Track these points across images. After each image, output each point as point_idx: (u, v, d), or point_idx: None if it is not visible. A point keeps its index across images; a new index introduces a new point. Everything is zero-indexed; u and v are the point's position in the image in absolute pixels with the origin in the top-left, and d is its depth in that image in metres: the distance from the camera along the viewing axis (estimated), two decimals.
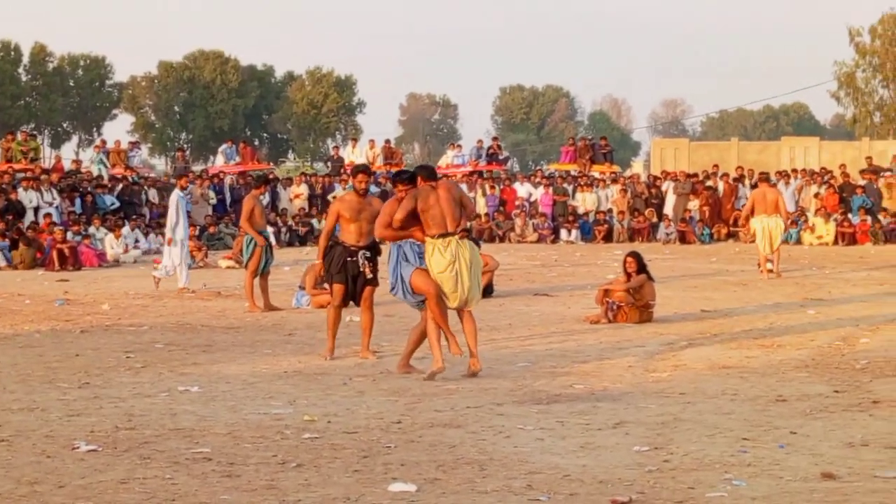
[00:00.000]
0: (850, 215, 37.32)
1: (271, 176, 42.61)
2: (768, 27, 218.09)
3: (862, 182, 39.91)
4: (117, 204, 36.22)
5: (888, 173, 40.38)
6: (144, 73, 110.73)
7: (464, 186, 40.62)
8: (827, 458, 8.39)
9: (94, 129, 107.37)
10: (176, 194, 22.18)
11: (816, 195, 39.12)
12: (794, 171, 42.33)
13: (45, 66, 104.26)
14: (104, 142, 44.73)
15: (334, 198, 40.03)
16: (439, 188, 12.15)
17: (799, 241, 36.41)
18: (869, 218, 37.25)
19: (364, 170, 14.04)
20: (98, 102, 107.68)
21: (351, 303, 13.87)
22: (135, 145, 46.59)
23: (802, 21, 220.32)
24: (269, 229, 31.47)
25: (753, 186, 39.63)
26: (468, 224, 12.46)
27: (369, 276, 13.55)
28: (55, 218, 32.21)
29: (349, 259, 13.50)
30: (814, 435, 9.19)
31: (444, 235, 11.93)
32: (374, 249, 13.63)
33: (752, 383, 11.70)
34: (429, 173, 12.47)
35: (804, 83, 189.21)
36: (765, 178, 26.78)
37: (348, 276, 13.54)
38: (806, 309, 18.47)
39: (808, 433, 9.25)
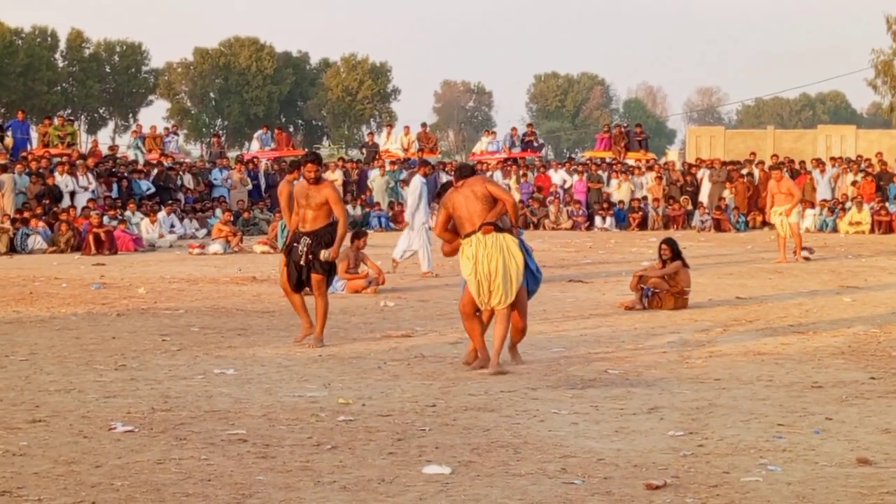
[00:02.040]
0: (886, 203, 37.10)
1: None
2: (804, 14, 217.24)
3: None
4: (153, 189, 36.36)
5: None
6: (180, 59, 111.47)
7: (498, 173, 40.72)
8: (863, 444, 8.37)
9: (130, 114, 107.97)
10: (418, 179, 22.16)
11: (854, 183, 38.90)
12: (832, 159, 42.09)
13: (82, 52, 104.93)
14: (140, 127, 44.88)
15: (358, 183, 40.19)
16: (465, 187, 11.83)
17: (835, 229, 36.22)
18: None
19: (313, 159, 13.74)
20: (134, 88, 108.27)
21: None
22: (170, 131, 46.68)
23: (839, 8, 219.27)
24: None
25: (793, 174, 39.64)
26: (499, 218, 11.71)
27: (302, 263, 13.39)
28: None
29: (294, 244, 13.51)
30: (849, 421, 9.16)
31: (469, 235, 11.70)
32: (320, 236, 13.42)
33: (787, 370, 11.67)
34: (458, 174, 12.18)
35: (841, 71, 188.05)
36: (776, 166, 26.82)
37: (292, 261, 13.52)
38: (842, 296, 18.40)
39: (843, 419, 9.22)
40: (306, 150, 59.76)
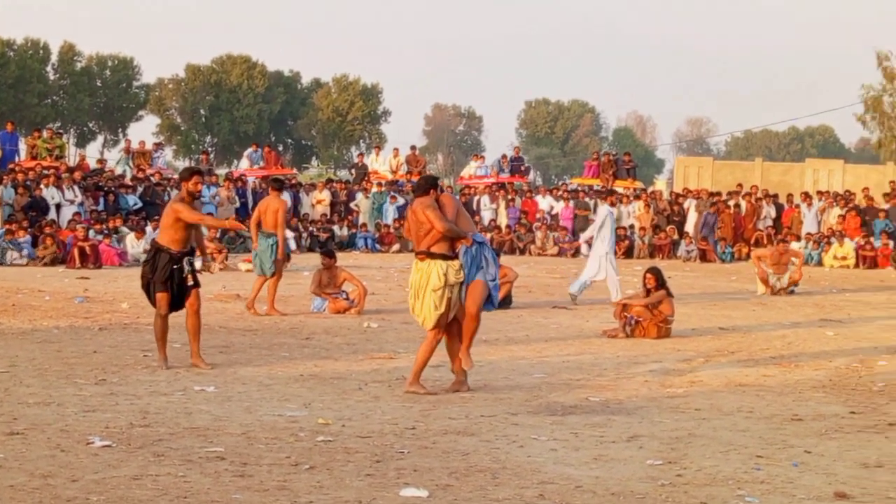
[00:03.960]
0: (871, 238, 37.19)
1: (293, 181, 42.73)
2: (796, 48, 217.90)
3: (885, 206, 39.78)
4: (140, 204, 36.32)
5: None
6: (172, 75, 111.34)
7: (486, 198, 40.84)
8: (841, 477, 8.37)
9: (120, 129, 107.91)
10: (605, 209, 22.07)
11: (840, 217, 39.03)
12: (819, 192, 42.22)
13: (73, 65, 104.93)
14: (129, 142, 44.87)
15: (355, 204, 40.26)
16: (416, 204, 11.95)
17: (820, 263, 36.29)
18: (891, 242, 37.12)
19: (199, 171, 13.63)
20: (125, 103, 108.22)
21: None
22: (159, 146, 46.69)
23: (830, 43, 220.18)
24: (290, 234, 31.59)
25: (778, 207, 39.74)
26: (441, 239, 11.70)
27: (191, 282, 13.28)
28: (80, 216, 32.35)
29: (175, 267, 13.15)
30: (828, 455, 9.17)
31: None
32: (192, 254, 13.38)
33: (768, 402, 11.68)
34: (415, 188, 12.32)
35: (830, 105, 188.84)
36: (783, 239, 27.32)
37: (174, 284, 13.20)
38: (824, 330, 18.41)
39: (822, 453, 9.23)
40: (294, 169, 59.84)
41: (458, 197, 41.05)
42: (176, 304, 13.31)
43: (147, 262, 13.41)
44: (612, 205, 22.58)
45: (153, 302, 13.38)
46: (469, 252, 11.79)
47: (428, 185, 12.15)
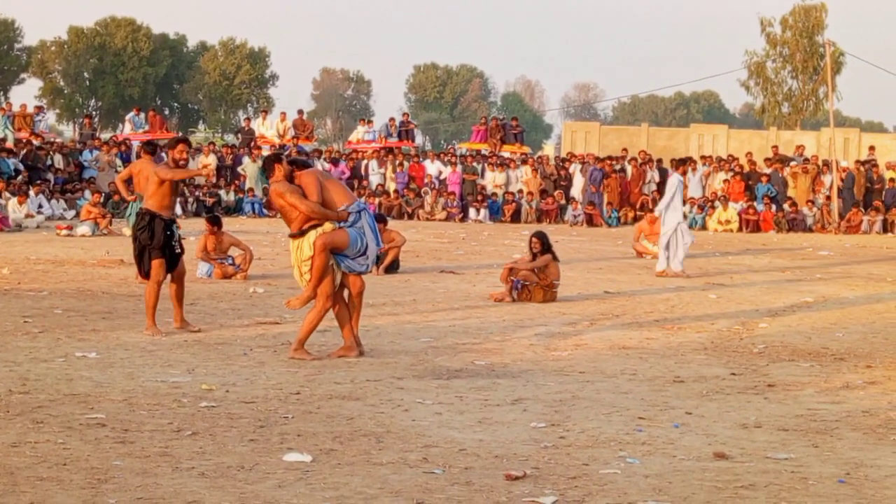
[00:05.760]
0: (755, 203, 37.75)
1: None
2: (682, 14, 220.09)
3: (767, 171, 40.38)
4: (21, 168, 35.68)
5: (794, 163, 40.88)
6: (54, 37, 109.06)
7: (374, 162, 40.75)
8: (720, 438, 8.50)
9: (1, 92, 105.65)
10: (676, 178, 21.67)
11: (724, 182, 39.56)
12: (703, 157, 42.71)
13: None
14: (10, 105, 44.03)
15: (242, 169, 39.89)
16: (273, 193, 11.88)
17: (704, 227, 36.76)
18: (773, 206, 37.75)
19: (185, 140, 13.62)
20: (6, 66, 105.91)
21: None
22: (40, 110, 45.87)
23: (715, 9, 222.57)
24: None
25: (662, 171, 40.12)
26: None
27: (178, 250, 13.35)
28: None
29: (167, 233, 13.19)
30: (709, 416, 9.30)
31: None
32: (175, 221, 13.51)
33: (650, 364, 11.81)
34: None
35: (715, 71, 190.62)
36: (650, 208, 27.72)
37: (167, 250, 13.25)
38: (707, 293, 18.66)
39: (703, 414, 9.36)
40: (180, 133, 59.17)
41: (344, 162, 41.09)
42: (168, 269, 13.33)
43: (142, 228, 13.21)
44: (683, 174, 22.46)
45: (144, 271, 13.32)
46: (360, 220, 11.74)
47: (271, 164, 11.94)
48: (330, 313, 11.92)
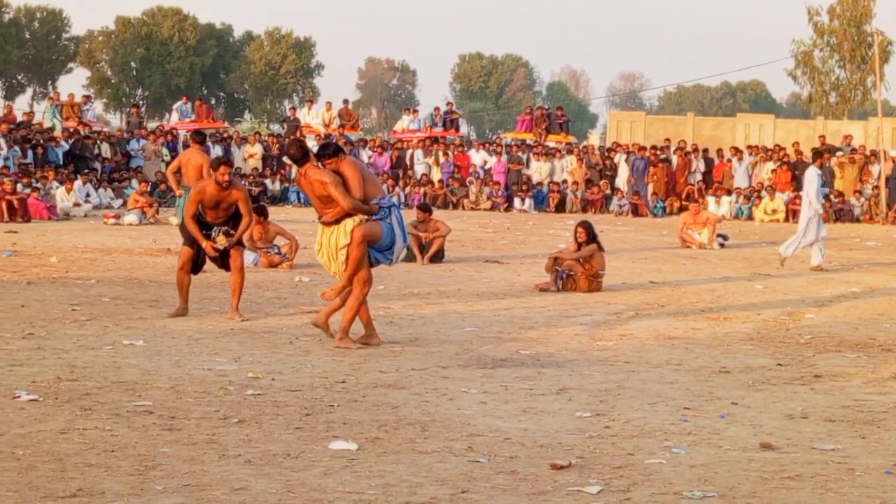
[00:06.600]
0: (801, 193, 37.46)
1: (225, 134, 42.41)
2: (729, 3, 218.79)
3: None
4: (69, 157, 35.92)
5: (840, 153, 40.59)
6: (102, 27, 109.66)
7: (419, 152, 40.76)
8: (766, 429, 8.46)
9: (50, 82, 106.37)
10: (814, 171, 21.69)
11: (771, 172, 39.31)
12: (749, 147, 42.48)
13: (1, 17, 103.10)
14: (58, 94, 44.32)
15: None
16: (313, 173, 11.72)
17: (750, 217, 36.58)
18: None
19: (227, 161, 13.71)
20: (54, 55, 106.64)
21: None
22: (88, 99, 46.18)
23: None
24: None
25: (707, 161, 39.97)
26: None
27: (223, 245, 13.41)
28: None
29: (205, 232, 13.42)
30: (755, 406, 9.26)
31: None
32: (228, 223, 13.61)
33: (696, 354, 11.78)
34: (319, 152, 11.94)
35: (762, 60, 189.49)
36: (694, 199, 27.45)
37: (196, 246, 13.51)
38: (754, 283, 18.58)
39: (749, 404, 9.32)
40: (226, 123, 59.34)
41: (389, 152, 41.11)
42: (196, 267, 13.81)
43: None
44: (820, 166, 22.33)
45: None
46: (389, 216, 11.76)
47: (303, 150, 11.93)
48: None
